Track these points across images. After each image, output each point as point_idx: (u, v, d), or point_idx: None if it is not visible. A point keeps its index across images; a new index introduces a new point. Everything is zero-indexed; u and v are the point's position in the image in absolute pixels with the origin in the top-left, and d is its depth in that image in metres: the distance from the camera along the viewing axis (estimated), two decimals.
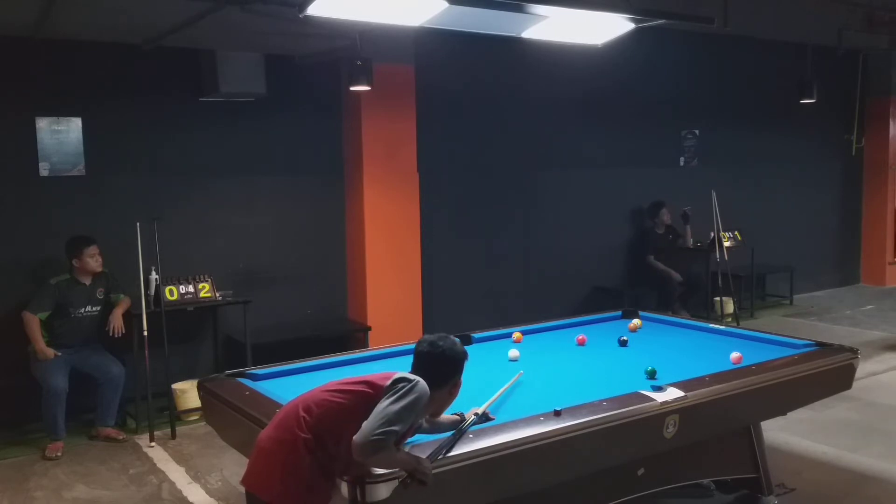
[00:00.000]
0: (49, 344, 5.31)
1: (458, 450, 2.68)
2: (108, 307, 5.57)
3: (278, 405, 3.20)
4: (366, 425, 2.45)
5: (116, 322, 5.47)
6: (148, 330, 5.37)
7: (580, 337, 4.53)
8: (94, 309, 5.51)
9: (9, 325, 5.51)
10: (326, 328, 6.72)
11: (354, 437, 2.43)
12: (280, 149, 6.68)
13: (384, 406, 2.49)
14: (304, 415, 2.57)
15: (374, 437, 2.41)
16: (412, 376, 2.61)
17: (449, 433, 2.82)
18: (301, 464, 2.51)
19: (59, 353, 5.30)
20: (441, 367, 2.73)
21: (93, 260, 5.44)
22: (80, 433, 5.53)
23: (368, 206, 6.72)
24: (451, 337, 2.80)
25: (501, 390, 3.42)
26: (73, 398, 5.35)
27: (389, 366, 4.08)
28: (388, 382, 2.58)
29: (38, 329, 5.28)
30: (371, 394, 2.57)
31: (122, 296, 5.62)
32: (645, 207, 8.73)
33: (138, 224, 5.41)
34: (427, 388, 2.58)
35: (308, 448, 2.51)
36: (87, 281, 5.49)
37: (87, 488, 4.65)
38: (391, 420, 2.45)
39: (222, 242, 6.46)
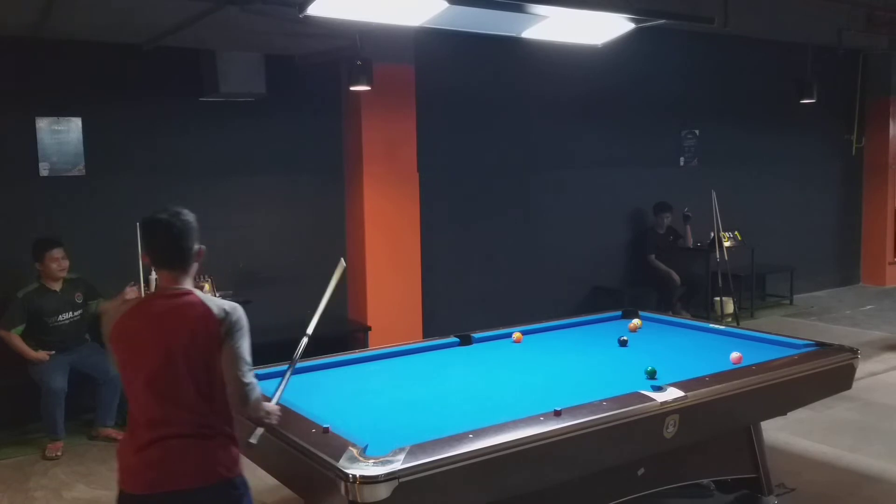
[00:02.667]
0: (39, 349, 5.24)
1: (459, 450, 2.68)
2: (90, 315, 5.41)
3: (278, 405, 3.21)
4: (239, 377, 2.48)
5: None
6: None
7: (516, 334, 4.55)
8: (74, 314, 5.37)
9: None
10: (326, 328, 6.69)
11: (236, 396, 2.49)
12: (280, 149, 6.68)
13: (239, 350, 2.51)
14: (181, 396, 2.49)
15: (251, 386, 2.51)
16: (227, 304, 2.57)
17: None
18: (210, 436, 2.51)
19: (53, 353, 5.24)
20: (193, 237, 2.66)
21: (55, 264, 5.23)
22: (80, 433, 5.53)
23: (368, 205, 6.72)
24: (171, 208, 2.67)
25: (322, 304, 3.39)
26: (72, 398, 5.35)
27: (389, 365, 4.11)
28: (220, 323, 2.50)
29: (18, 341, 5.18)
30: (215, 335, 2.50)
31: (101, 300, 5.45)
32: (646, 208, 8.73)
33: (137, 223, 5.39)
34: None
35: (205, 419, 2.51)
36: (57, 287, 5.31)
37: (88, 488, 4.65)
38: (248, 361, 2.52)
39: (222, 242, 6.45)
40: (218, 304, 2.55)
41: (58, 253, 5.27)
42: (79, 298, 5.42)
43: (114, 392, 5.38)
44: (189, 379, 2.47)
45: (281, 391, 3.03)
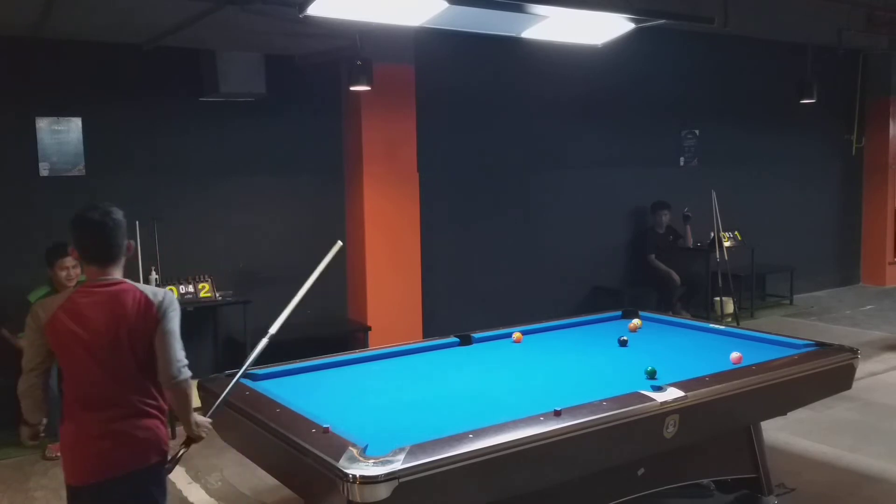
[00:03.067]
0: None
1: (459, 450, 2.68)
2: None
3: (278, 405, 3.21)
4: (173, 354, 2.67)
5: None
6: None
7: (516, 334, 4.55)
8: None
9: (7, 324, 5.51)
10: (326, 328, 6.72)
11: (169, 371, 2.66)
12: (280, 149, 6.68)
13: (173, 328, 2.70)
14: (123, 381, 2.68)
15: (183, 363, 2.70)
16: (158, 289, 2.77)
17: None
18: (151, 415, 2.72)
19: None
20: (123, 234, 2.80)
21: (64, 273, 5.10)
22: None
23: (368, 206, 6.72)
24: (102, 206, 2.79)
25: (291, 305, 3.59)
26: None
27: (389, 365, 4.11)
28: (156, 306, 2.68)
29: None
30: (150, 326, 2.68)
31: None
32: (646, 208, 8.73)
33: (137, 223, 5.40)
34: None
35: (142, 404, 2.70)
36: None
37: None
38: (180, 339, 2.72)
39: (222, 242, 6.46)
40: (150, 289, 2.75)
41: (69, 262, 5.10)
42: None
43: None
44: (133, 360, 2.67)
45: (221, 401, 3.14)
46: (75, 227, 2.76)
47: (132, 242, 2.84)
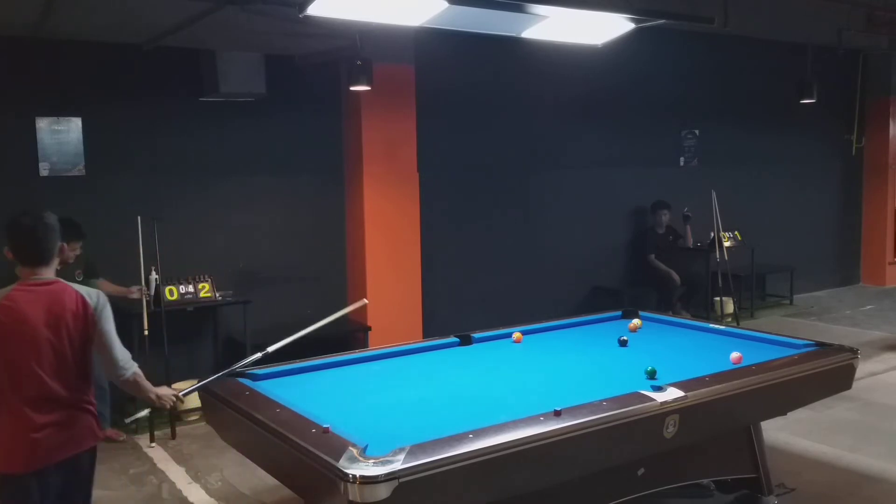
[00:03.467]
0: None
1: (459, 450, 2.68)
2: None
3: (278, 405, 3.21)
4: (114, 351, 2.93)
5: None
6: (148, 329, 5.37)
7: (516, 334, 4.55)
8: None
9: None
10: (326, 328, 6.69)
11: (113, 367, 2.93)
12: (280, 149, 6.68)
13: (111, 328, 2.94)
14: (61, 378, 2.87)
15: (125, 358, 2.97)
16: (91, 290, 2.96)
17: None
18: (85, 409, 2.95)
19: None
20: (55, 237, 2.99)
21: (73, 253, 5.04)
22: None
23: (368, 206, 6.72)
24: (34, 212, 2.98)
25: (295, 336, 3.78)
26: None
27: (389, 365, 4.11)
28: (92, 306, 2.90)
29: None
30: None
31: (102, 280, 5.28)
32: (646, 208, 8.73)
33: (139, 218, 5.37)
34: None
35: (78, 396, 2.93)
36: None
37: None
38: (119, 344, 2.97)
39: (222, 242, 6.46)
40: (84, 290, 2.94)
41: (76, 245, 5.03)
42: (79, 276, 5.13)
43: (103, 400, 5.11)
44: (71, 357, 2.87)
45: (199, 385, 3.51)
46: (10, 231, 2.93)
47: (65, 245, 3.09)
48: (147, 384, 3.07)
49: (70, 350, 2.86)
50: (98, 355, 2.96)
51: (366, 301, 4.12)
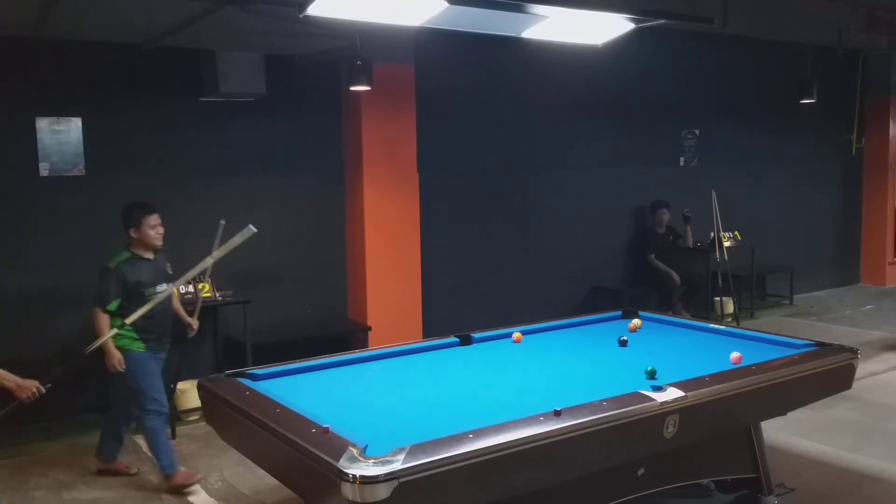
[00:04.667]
0: (134, 342, 4.59)
1: (459, 450, 2.68)
2: None
3: (278, 405, 3.21)
4: None
5: (187, 316, 4.90)
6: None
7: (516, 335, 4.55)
8: (167, 287, 4.67)
9: (6, 324, 5.51)
10: (326, 328, 6.72)
11: None
12: (280, 149, 6.68)
13: None
14: None
15: None
16: None
17: None
18: None
19: (146, 353, 4.60)
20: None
21: (153, 231, 4.69)
22: (78, 433, 5.53)
23: (368, 206, 6.72)
24: None
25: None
26: (70, 397, 5.31)
27: (389, 365, 4.11)
28: None
29: (107, 327, 4.47)
30: None
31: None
32: (646, 208, 8.73)
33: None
34: None
35: None
36: (150, 256, 4.72)
37: (88, 488, 4.65)
38: None
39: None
40: None
41: (155, 220, 4.71)
42: (169, 270, 4.84)
43: (127, 420, 4.84)
44: None
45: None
46: None
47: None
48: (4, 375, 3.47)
49: None
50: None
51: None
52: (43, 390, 3.52)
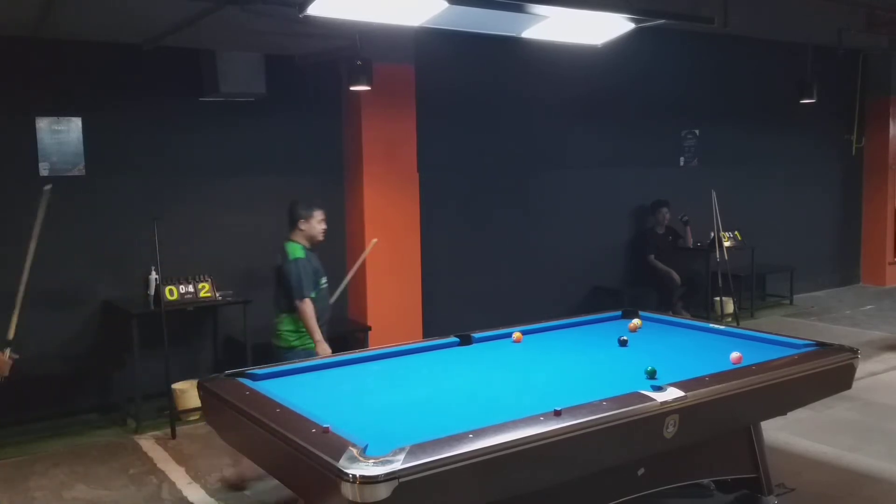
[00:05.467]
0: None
1: (459, 450, 2.68)
2: None
3: (278, 405, 3.21)
4: None
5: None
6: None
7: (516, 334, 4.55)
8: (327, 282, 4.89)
9: (6, 324, 5.50)
10: (326, 328, 6.70)
11: None
12: (280, 149, 6.68)
13: None
14: None
15: None
16: None
17: None
18: None
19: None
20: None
21: (320, 226, 4.90)
22: (78, 433, 5.53)
23: (368, 206, 6.72)
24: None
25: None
26: (70, 398, 5.29)
27: (389, 365, 4.11)
28: None
29: (313, 316, 4.66)
30: None
31: None
32: (646, 208, 8.73)
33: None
34: None
35: None
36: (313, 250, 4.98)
37: (87, 488, 4.65)
38: None
39: (222, 242, 6.45)
40: None
41: (321, 215, 4.92)
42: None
43: None
44: None
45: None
46: None
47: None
48: None
49: None
50: None
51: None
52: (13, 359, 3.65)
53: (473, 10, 4.04)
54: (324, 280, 4.91)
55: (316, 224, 4.87)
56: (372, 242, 4.40)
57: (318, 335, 4.69)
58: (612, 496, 3.44)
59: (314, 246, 4.92)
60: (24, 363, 5.35)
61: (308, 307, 4.68)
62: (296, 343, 4.76)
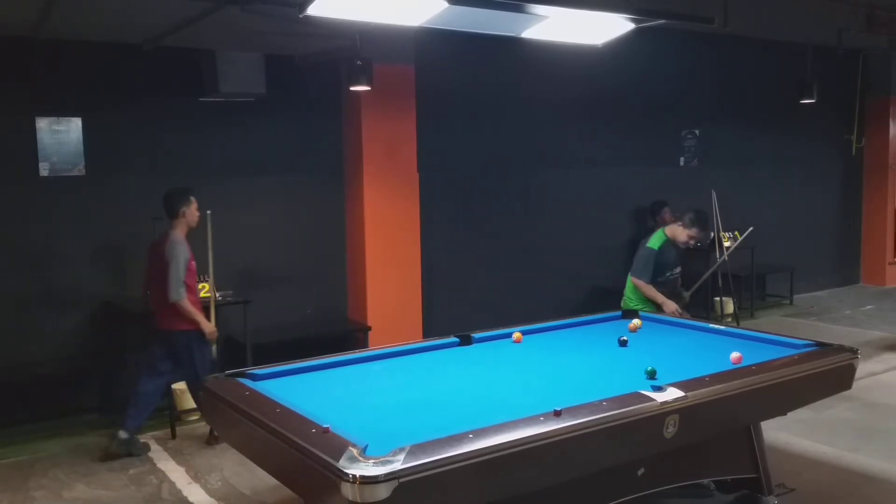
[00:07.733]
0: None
1: (459, 450, 2.68)
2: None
3: (278, 405, 3.21)
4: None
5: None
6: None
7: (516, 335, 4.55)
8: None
9: (6, 324, 5.51)
10: (326, 328, 6.72)
11: None
12: (280, 149, 6.68)
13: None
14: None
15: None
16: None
17: None
18: None
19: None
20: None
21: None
22: (78, 433, 5.53)
23: (368, 206, 6.72)
24: None
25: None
26: (74, 397, 5.29)
27: (389, 365, 4.11)
28: None
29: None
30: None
31: None
32: (646, 208, 8.73)
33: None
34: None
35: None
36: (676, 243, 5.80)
37: (87, 488, 4.65)
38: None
39: (222, 242, 6.43)
40: None
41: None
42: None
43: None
44: None
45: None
46: None
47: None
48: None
49: None
50: None
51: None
52: None
53: (473, 10, 4.04)
54: (676, 270, 5.76)
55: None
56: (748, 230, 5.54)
57: (660, 298, 5.54)
58: (612, 496, 3.44)
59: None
60: (24, 363, 5.37)
61: (644, 286, 5.58)
62: (639, 306, 5.56)
